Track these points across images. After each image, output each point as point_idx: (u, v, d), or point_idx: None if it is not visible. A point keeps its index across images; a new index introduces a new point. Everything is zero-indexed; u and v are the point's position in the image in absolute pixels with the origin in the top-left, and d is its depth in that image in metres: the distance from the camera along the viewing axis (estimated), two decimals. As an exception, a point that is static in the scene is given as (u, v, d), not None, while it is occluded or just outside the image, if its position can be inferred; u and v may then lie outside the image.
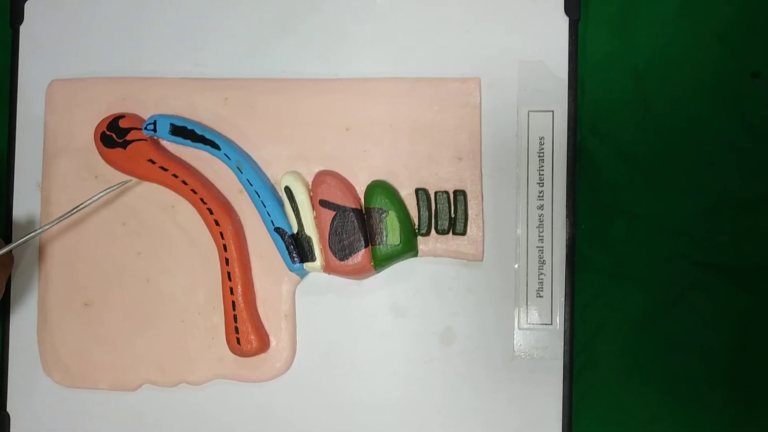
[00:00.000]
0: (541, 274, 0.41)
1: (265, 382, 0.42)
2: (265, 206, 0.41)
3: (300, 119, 0.42)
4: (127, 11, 0.44)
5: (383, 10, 0.43)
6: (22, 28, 0.44)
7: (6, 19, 0.45)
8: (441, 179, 0.41)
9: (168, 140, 0.42)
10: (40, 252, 0.43)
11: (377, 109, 0.42)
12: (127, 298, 0.43)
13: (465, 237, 0.41)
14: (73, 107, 0.43)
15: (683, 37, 0.43)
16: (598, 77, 0.43)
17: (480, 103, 0.42)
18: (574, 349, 0.41)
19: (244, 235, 0.42)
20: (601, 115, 0.43)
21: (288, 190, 0.41)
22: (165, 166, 0.42)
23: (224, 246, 0.41)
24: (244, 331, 0.41)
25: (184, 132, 0.42)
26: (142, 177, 0.42)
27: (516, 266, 0.41)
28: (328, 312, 0.42)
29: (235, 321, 0.41)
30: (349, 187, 0.41)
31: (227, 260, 0.41)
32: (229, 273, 0.41)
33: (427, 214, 0.41)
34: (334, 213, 0.41)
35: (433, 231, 0.41)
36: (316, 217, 0.41)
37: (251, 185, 0.41)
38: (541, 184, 0.41)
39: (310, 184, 0.42)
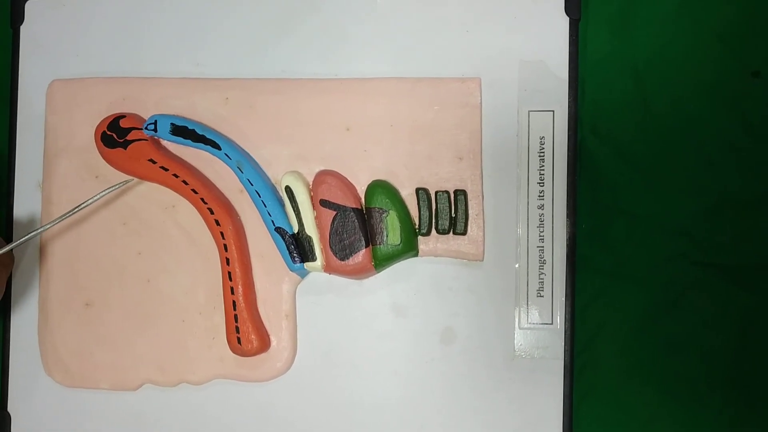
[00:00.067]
0: (542, 273, 0.41)
1: (265, 382, 0.42)
2: (265, 206, 0.41)
3: (300, 119, 0.42)
4: (128, 11, 0.44)
5: (383, 10, 0.43)
6: (22, 28, 0.44)
7: (6, 19, 0.45)
8: (441, 179, 0.41)
9: (168, 140, 0.42)
10: (41, 252, 0.43)
11: (378, 109, 0.42)
12: (127, 297, 0.43)
13: (465, 237, 0.41)
14: (74, 107, 0.43)
15: (683, 36, 0.43)
16: (599, 77, 0.43)
17: (480, 103, 0.42)
18: (574, 348, 0.41)
19: (245, 235, 0.42)
20: (602, 115, 0.43)
21: (288, 189, 0.41)
22: (165, 166, 0.42)
23: (225, 246, 0.41)
24: (245, 331, 0.41)
25: (184, 132, 0.42)
26: (143, 177, 0.42)
27: (516, 266, 0.41)
28: (329, 312, 0.42)
29: (236, 321, 0.41)
30: (350, 187, 0.41)
31: (228, 260, 0.41)
32: (229, 273, 0.41)
33: (427, 213, 0.41)
34: (334, 213, 0.41)
35: (433, 231, 0.41)
36: (316, 217, 0.41)
37: (252, 185, 0.41)
38: (541, 184, 0.41)
39: (311, 183, 0.42)
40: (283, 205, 0.41)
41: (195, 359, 0.42)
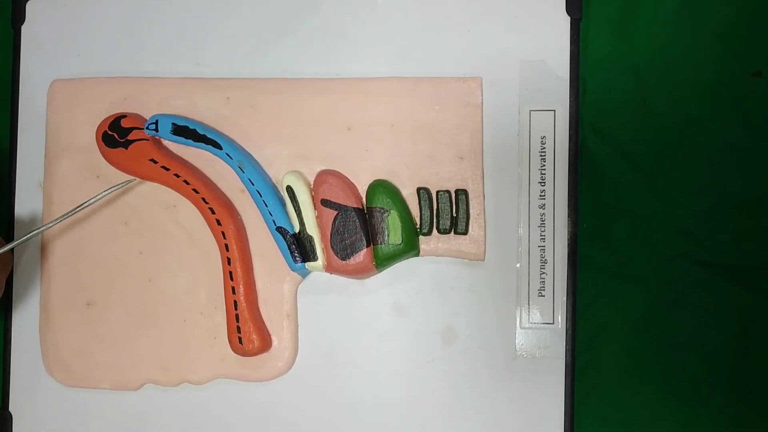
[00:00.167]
0: (543, 273, 0.41)
1: (267, 382, 0.42)
2: (266, 206, 0.41)
3: (302, 119, 0.42)
4: (129, 11, 0.44)
5: (384, 9, 0.43)
6: (23, 28, 0.44)
7: (8, 19, 0.45)
8: (442, 179, 0.41)
9: (170, 140, 0.42)
10: (42, 251, 0.43)
11: (379, 108, 0.42)
12: (129, 297, 0.43)
13: (467, 236, 0.41)
14: (75, 107, 0.43)
15: (684, 36, 0.43)
16: (600, 77, 0.43)
17: (481, 103, 0.42)
18: (575, 348, 0.41)
19: (246, 235, 0.42)
20: (603, 115, 0.43)
21: (290, 189, 0.41)
22: (167, 166, 0.42)
23: (226, 245, 0.41)
24: (246, 331, 0.41)
25: (185, 132, 0.42)
26: (144, 177, 0.42)
27: (518, 265, 0.41)
28: (330, 311, 0.42)
29: (237, 320, 0.41)
30: (351, 187, 0.41)
31: (229, 260, 0.41)
32: (230, 272, 0.41)
33: (428, 213, 0.41)
34: (335, 212, 0.41)
35: (434, 230, 0.41)
36: (317, 217, 0.41)
37: (253, 185, 0.41)
38: (542, 184, 0.41)
39: (312, 183, 0.42)
40: (284, 205, 0.41)
41: (196, 359, 0.42)
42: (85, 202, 0.41)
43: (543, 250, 0.41)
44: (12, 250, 0.42)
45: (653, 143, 0.43)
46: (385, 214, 0.41)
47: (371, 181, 0.42)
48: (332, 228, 0.41)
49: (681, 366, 0.42)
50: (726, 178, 0.42)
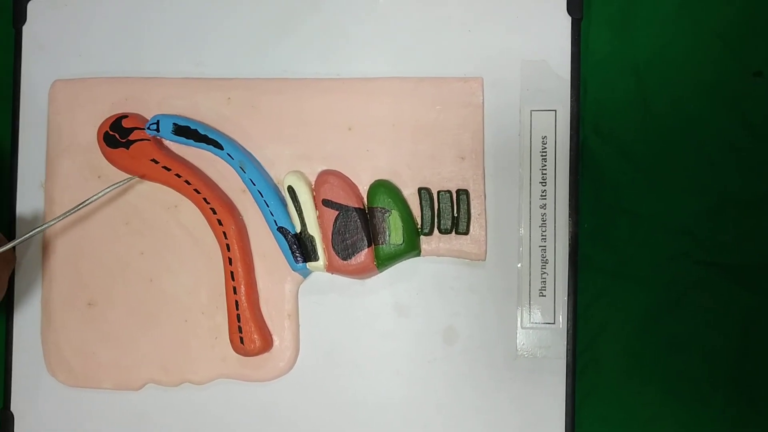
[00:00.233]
0: (544, 273, 0.41)
1: (268, 382, 0.42)
2: (268, 206, 0.41)
3: (303, 119, 0.42)
4: (130, 11, 0.44)
5: (385, 9, 0.43)
6: (25, 28, 0.44)
7: (9, 19, 0.45)
8: (444, 179, 0.41)
9: (171, 140, 0.43)
10: (44, 251, 0.44)
11: (380, 108, 0.42)
12: (130, 297, 0.43)
13: (468, 236, 0.41)
14: (76, 107, 0.43)
15: (685, 36, 0.43)
16: (600, 76, 0.43)
17: (483, 103, 0.42)
18: (576, 348, 0.41)
19: (247, 235, 0.42)
20: (603, 115, 0.43)
21: (291, 189, 0.41)
22: (168, 166, 0.42)
23: (227, 245, 0.41)
24: (248, 331, 0.41)
25: (187, 132, 0.42)
26: (145, 177, 0.42)
27: (519, 265, 0.41)
28: (331, 311, 0.42)
29: (239, 320, 0.41)
30: (352, 187, 0.41)
31: (230, 260, 0.41)
32: (232, 272, 0.41)
33: (429, 213, 0.41)
34: (337, 212, 0.41)
35: (435, 230, 0.41)
36: (319, 217, 0.41)
37: (254, 185, 0.42)
38: (543, 184, 0.41)
39: (313, 183, 0.42)
40: (285, 205, 0.42)
41: (198, 359, 0.42)
42: (88, 200, 0.41)
43: (544, 250, 0.41)
44: (14, 248, 0.42)
45: (654, 143, 0.43)
46: (387, 214, 0.41)
47: (372, 181, 0.42)
48: (333, 228, 0.41)
49: (682, 366, 0.42)
50: (726, 178, 0.42)
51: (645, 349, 0.42)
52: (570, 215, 0.41)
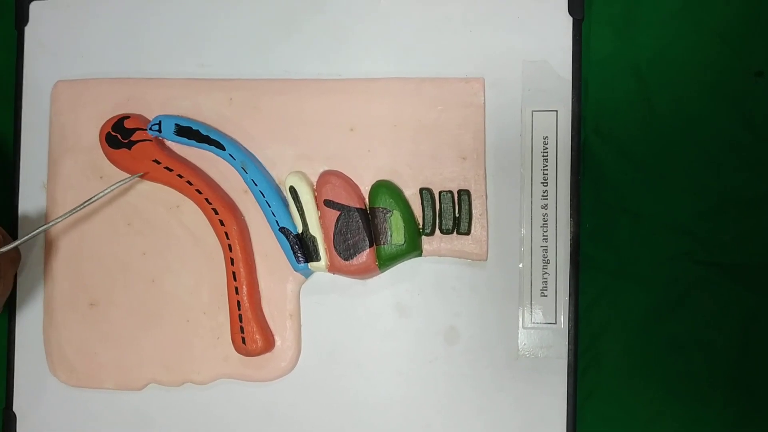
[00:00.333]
0: (545, 273, 0.41)
1: (270, 382, 0.42)
2: (269, 206, 0.41)
3: (304, 119, 0.42)
4: (132, 12, 0.44)
5: (387, 10, 0.43)
6: (27, 29, 0.44)
7: (11, 20, 0.45)
8: (445, 179, 0.42)
9: (173, 140, 0.43)
10: (46, 252, 0.44)
11: (381, 109, 0.42)
12: (132, 297, 0.43)
13: (469, 236, 0.41)
14: (79, 108, 0.43)
15: (685, 36, 0.43)
16: (602, 77, 0.43)
17: (484, 103, 0.42)
18: (578, 348, 0.41)
19: (249, 235, 0.42)
20: (605, 115, 0.43)
21: (293, 190, 0.41)
22: (170, 167, 0.42)
23: (229, 246, 0.42)
24: (250, 331, 0.41)
25: (188, 132, 0.42)
26: (147, 177, 0.42)
27: (520, 266, 0.41)
28: (333, 311, 0.42)
29: (240, 321, 0.41)
30: (354, 187, 0.41)
31: (232, 260, 0.41)
32: (234, 273, 0.42)
33: (431, 213, 0.41)
34: (338, 213, 0.41)
35: (437, 231, 0.41)
36: (320, 217, 0.41)
37: (256, 185, 0.42)
38: (545, 184, 0.41)
39: (315, 184, 0.42)
40: (287, 205, 0.42)
41: (200, 359, 0.42)
42: (92, 198, 0.41)
43: (545, 250, 0.41)
44: (18, 247, 0.42)
45: (655, 143, 0.43)
46: (388, 215, 0.41)
47: (374, 181, 0.42)
48: (335, 228, 0.41)
49: (683, 365, 0.42)
50: (727, 178, 0.42)
51: (646, 348, 0.42)
52: (571, 215, 0.41)
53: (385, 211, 0.41)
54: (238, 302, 0.41)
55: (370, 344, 0.42)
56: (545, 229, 0.41)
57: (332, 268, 0.41)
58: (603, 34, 0.43)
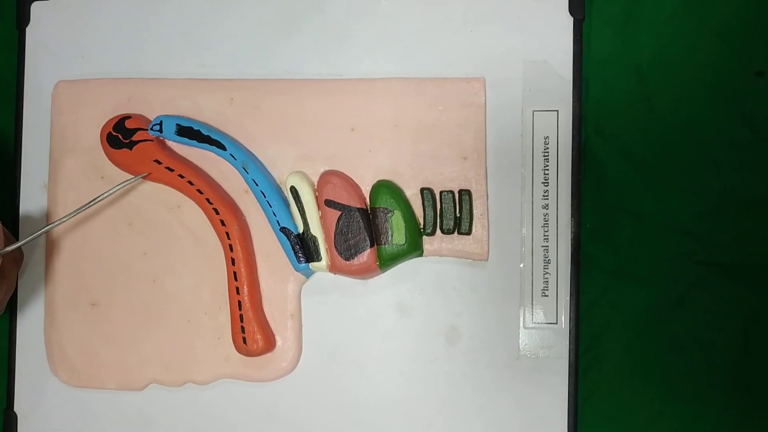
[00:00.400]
0: (546, 273, 0.41)
1: (271, 382, 0.42)
2: (270, 206, 0.41)
3: (305, 119, 0.42)
4: (133, 12, 0.44)
5: (387, 10, 0.43)
6: (28, 29, 0.45)
7: (12, 21, 0.45)
8: (446, 179, 0.42)
9: (174, 141, 0.43)
10: (47, 252, 0.44)
11: (382, 109, 0.42)
12: (133, 298, 0.43)
13: (470, 236, 0.41)
14: (80, 108, 0.43)
15: (686, 36, 0.43)
16: (602, 77, 0.43)
17: (485, 103, 0.42)
18: (579, 348, 0.41)
19: (250, 235, 0.42)
20: (605, 115, 0.43)
21: (293, 190, 0.41)
22: (171, 167, 0.42)
23: (230, 246, 0.42)
24: (251, 331, 0.41)
25: (190, 132, 0.42)
26: (148, 177, 0.42)
27: (521, 265, 0.41)
28: (334, 311, 0.42)
29: (241, 321, 0.41)
30: (355, 187, 0.42)
31: (233, 260, 0.42)
32: (235, 273, 0.42)
33: (432, 213, 0.41)
34: (339, 213, 0.41)
35: (438, 230, 0.41)
36: (321, 217, 0.41)
37: (257, 185, 0.42)
38: (546, 184, 0.41)
39: (316, 184, 0.42)
40: (288, 206, 0.42)
41: (201, 359, 0.42)
42: (98, 197, 0.41)
43: (546, 250, 0.41)
44: (21, 246, 0.42)
45: (655, 143, 0.43)
46: (389, 215, 0.41)
47: (375, 181, 0.42)
48: (336, 228, 0.41)
49: (683, 365, 0.42)
50: (728, 177, 0.42)
51: (647, 348, 0.42)
52: (572, 215, 0.41)
53: (386, 211, 0.41)
54: (239, 302, 0.41)
55: (371, 344, 0.42)
56: (546, 229, 0.41)
57: (333, 268, 0.41)
58: (603, 34, 0.43)
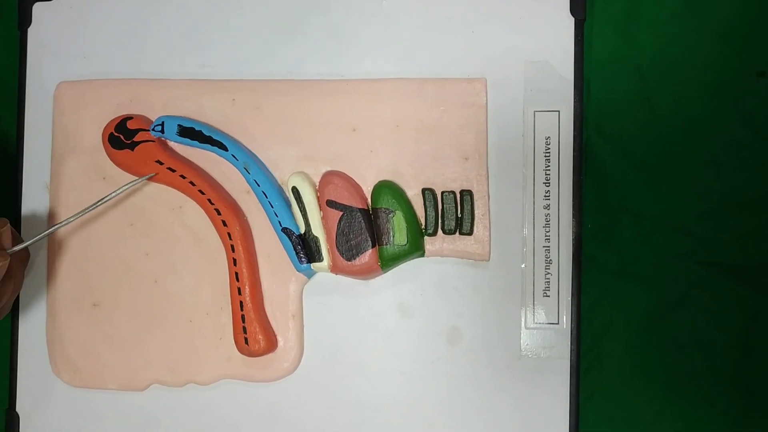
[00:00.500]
0: (548, 273, 0.41)
1: (272, 382, 0.42)
2: (272, 207, 0.41)
3: (307, 120, 0.42)
4: (135, 13, 0.44)
5: (389, 11, 0.43)
6: (30, 30, 0.45)
7: (14, 22, 0.45)
8: (447, 179, 0.42)
9: (175, 141, 0.43)
10: (50, 253, 0.44)
11: (384, 109, 0.42)
12: (135, 298, 0.43)
13: (471, 237, 0.41)
14: (81, 109, 0.44)
15: (687, 36, 0.43)
16: (603, 77, 0.43)
17: (486, 103, 0.42)
18: (580, 348, 0.41)
19: (252, 236, 0.42)
20: (606, 115, 0.43)
21: (295, 190, 0.41)
22: (173, 168, 0.42)
23: (232, 246, 0.42)
24: (252, 331, 0.41)
25: (191, 133, 0.42)
26: (150, 178, 0.42)
27: (522, 266, 0.42)
28: (335, 312, 0.42)
29: (243, 321, 0.41)
30: (356, 188, 0.42)
31: (235, 261, 0.42)
32: (236, 273, 0.42)
33: (433, 214, 0.41)
34: (341, 213, 0.41)
35: (439, 231, 0.41)
36: (323, 218, 0.41)
37: (258, 186, 0.42)
38: (547, 184, 0.41)
39: (318, 184, 0.42)
40: (289, 206, 0.42)
41: (202, 359, 0.42)
42: (105, 198, 0.41)
43: (548, 250, 0.41)
44: (27, 247, 0.42)
45: (656, 143, 0.43)
46: (391, 215, 0.41)
47: (376, 182, 0.42)
48: (338, 229, 0.41)
49: (684, 365, 0.42)
50: (729, 177, 0.42)
51: (648, 348, 0.42)
52: (573, 216, 0.41)
53: (387, 211, 0.41)
54: (241, 303, 0.41)
55: (373, 344, 0.42)
56: (547, 229, 0.41)
57: (335, 269, 0.41)
58: (604, 34, 0.43)
